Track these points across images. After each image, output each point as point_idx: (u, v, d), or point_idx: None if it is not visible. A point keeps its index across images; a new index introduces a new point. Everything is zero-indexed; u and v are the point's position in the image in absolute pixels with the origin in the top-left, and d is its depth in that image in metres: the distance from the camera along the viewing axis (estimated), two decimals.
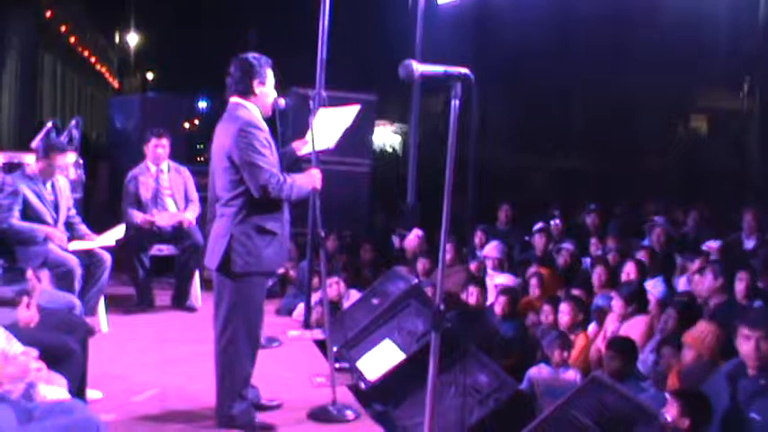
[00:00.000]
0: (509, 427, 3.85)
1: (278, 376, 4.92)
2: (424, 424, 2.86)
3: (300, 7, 8.52)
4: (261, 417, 4.16)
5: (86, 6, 28.42)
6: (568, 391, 3.82)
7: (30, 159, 6.15)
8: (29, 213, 5.63)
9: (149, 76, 40.58)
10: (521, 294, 6.09)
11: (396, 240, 8.54)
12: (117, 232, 6.01)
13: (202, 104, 29.99)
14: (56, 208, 5.77)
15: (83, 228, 5.98)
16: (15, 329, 3.52)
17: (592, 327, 5.37)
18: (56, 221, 5.76)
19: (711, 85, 16.01)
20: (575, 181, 14.97)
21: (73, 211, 6.01)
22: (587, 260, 6.94)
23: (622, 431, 3.30)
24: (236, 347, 4.03)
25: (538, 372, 4.59)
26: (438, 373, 2.85)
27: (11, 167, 6.61)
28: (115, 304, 6.40)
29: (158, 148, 6.77)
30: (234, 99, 4.06)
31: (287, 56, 8.35)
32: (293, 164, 4.42)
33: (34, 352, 3.17)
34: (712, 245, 6.54)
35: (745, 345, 3.67)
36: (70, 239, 5.80)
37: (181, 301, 6.69)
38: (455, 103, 2.78)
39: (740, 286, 5.02)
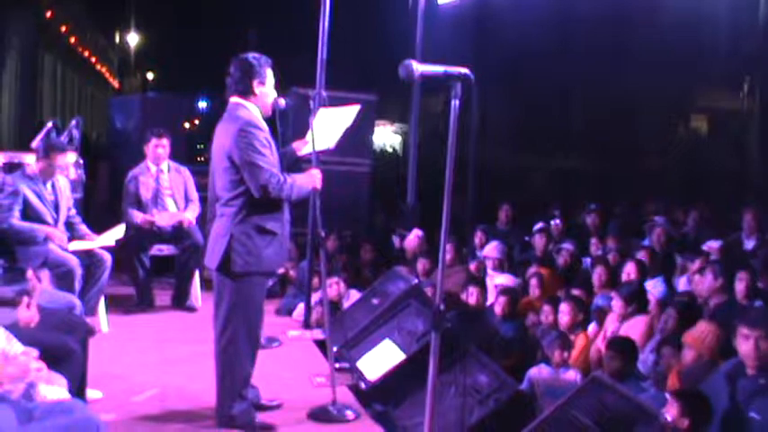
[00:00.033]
0: (509, 427, 3.85)
1: (278, 376, 4.92)
2: (424, 424, 2.86)
3: (300, 7, 8.52)
4: (261, 417, 4.16)
5: (86, 6, 28.43)
6: (568, 391, 3.82)
7: (30, 159, 6.15)
8: (29, 213, 5.63)
9: (149, 76, 40.59)
10: (521, 294, 6.09)
11: (396, 240, 8.54)
12: (117, 232, 6.01)
13: (202, 104, 29.98)
14: (56, 208, 5.77)
15: (83, 228, 5.98)
16: (15, 329, 3.52)
17: (592, 327, 5.37)
18: (56, 221, 5.76)
19: (711, 85, 16.01)
20: (575, 181, 14.98)
21: (73, 211, 6.01)
22: (587, 260, 6.94)
23: (622, 431, 3.30)
24: (236, 347, 4.03)
25: (538, 372, 4.59)
26: (438, 374, 2.85)
27: (11, 167, 6.61)
28: (115, 304, 6.40)
29: (158, 148, 6.77)
30: (234, 99, 4.06)
31: (287, 56, 8.35)
32: (293, 164, 4.42)
33: (34, 352, 3.17)
34: (712, 245, 6.54)
35: (745, 344, 3.67)
36: (70, 239, 5.80)
37: (181, 301, 6.69)
38: (455, 103, 2.78)
39: (740, 286, 5.02)
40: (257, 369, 4.18)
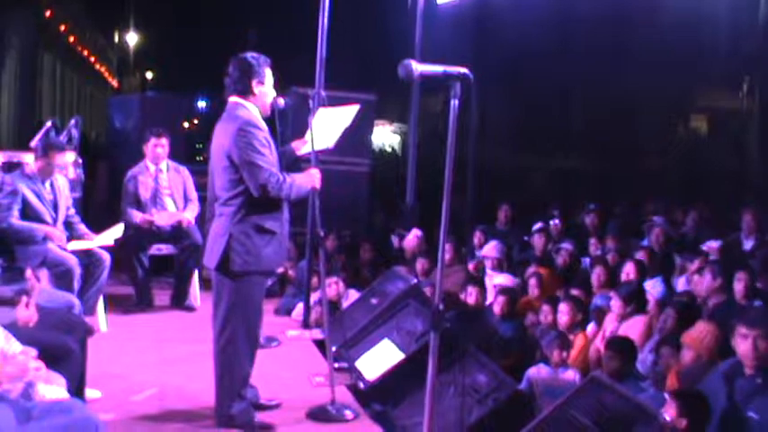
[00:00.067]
0: (508, 426, 3.85)
1: (277, 376, 4.92)
2: (423, 424, 2.86)
3: (300, 7, 8.51)
4: (260, 416, 4.16)
5: (86, 6, 28.46)
6: (567, 391, 3.82)
7: (29, 158, 6.15)
8: (28, 213, 5.63)
9: (149, 75, 40.59)
10: (520, 294, 6.09)
11: (395, 240, 8.54)
12: (116, 232, 6.01)
13: (202, 104, 29.94)
14: (55, 207, 5.77)
15: (82, 227, 5.98)
16: (14, 329, 3.52)
17: (591, 327, 5.37)
18: (55, 221, 5.75)
19: (711, 85, 16.02)
20: (574, 181, 14.98)
21: (72, 211, 6.01)
22: (586, 260, 6.94)
23: (621, 431, 3.30)
24: (235, 347, 4.03)
25: (537, 372, 4.59)
26: (437, 373, 2.85)
27: (10, 167, 6.62)
28: (114, 304, 6.40)
29: (157, 147, 6.76)
30: (233, 99, 4.06)
31: (287, 56, 8.36)
32: (293, 163, 4.42)
33: (33, 351, 3.17)
34: (712, 245, 6.54)
35: (743, 344, 3.66)
36: (69, 239, 5.80)
37: (180, 301, 6.69)
38: (454, 102, 2.78)
39: (739, 286, 5.02)
40: (256, 369, 4.18)
